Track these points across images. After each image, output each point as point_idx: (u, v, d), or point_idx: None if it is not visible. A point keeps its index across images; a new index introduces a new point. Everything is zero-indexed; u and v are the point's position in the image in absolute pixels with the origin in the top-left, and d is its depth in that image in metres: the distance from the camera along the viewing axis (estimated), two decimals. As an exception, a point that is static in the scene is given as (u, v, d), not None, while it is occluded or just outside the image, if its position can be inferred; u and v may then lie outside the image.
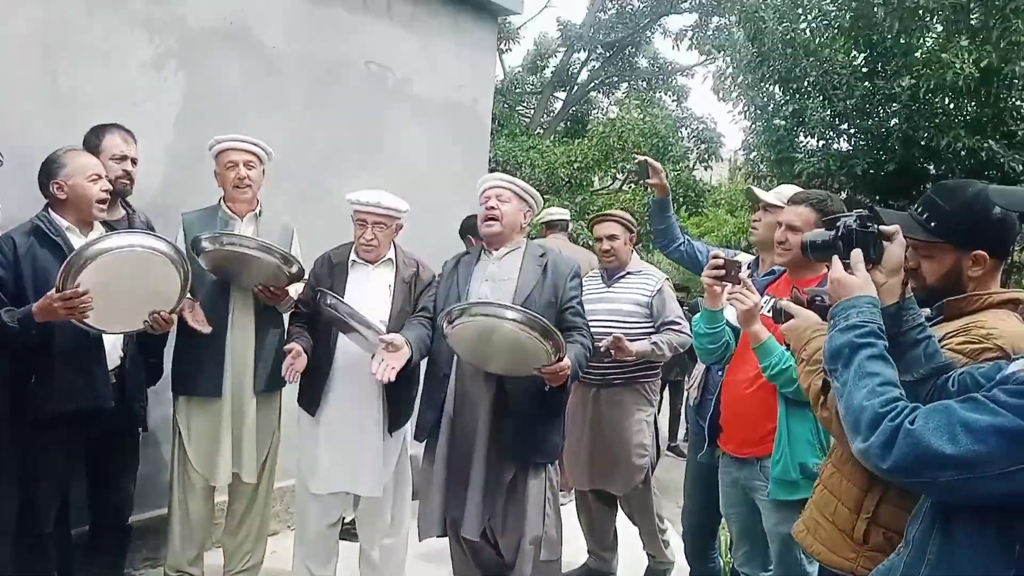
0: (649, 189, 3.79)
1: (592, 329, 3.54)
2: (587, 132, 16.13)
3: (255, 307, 3.29)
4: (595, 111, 21.26)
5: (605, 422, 3.72)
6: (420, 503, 3.18)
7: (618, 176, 14.39)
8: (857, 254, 1.68)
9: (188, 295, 3.00)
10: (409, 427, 3.46)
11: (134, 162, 3.22)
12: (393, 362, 2.88)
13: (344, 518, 3.53)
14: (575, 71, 20.16)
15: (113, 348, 2.97)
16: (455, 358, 3.05)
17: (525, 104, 21.03)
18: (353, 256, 3.31)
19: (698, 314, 2.89)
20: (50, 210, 2.90)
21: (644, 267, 3.90)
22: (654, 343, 3.61)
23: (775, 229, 2.87)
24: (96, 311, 2.70)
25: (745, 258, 3.39)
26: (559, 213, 5.59)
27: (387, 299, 3.27)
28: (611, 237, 3.82)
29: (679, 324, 3.67)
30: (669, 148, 13.12)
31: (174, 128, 3.75)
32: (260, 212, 3.36)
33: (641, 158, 3.65)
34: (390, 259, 3.34)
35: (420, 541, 3.17)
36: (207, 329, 3.12)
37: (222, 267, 3.14)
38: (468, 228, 4.54)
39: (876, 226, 1.72)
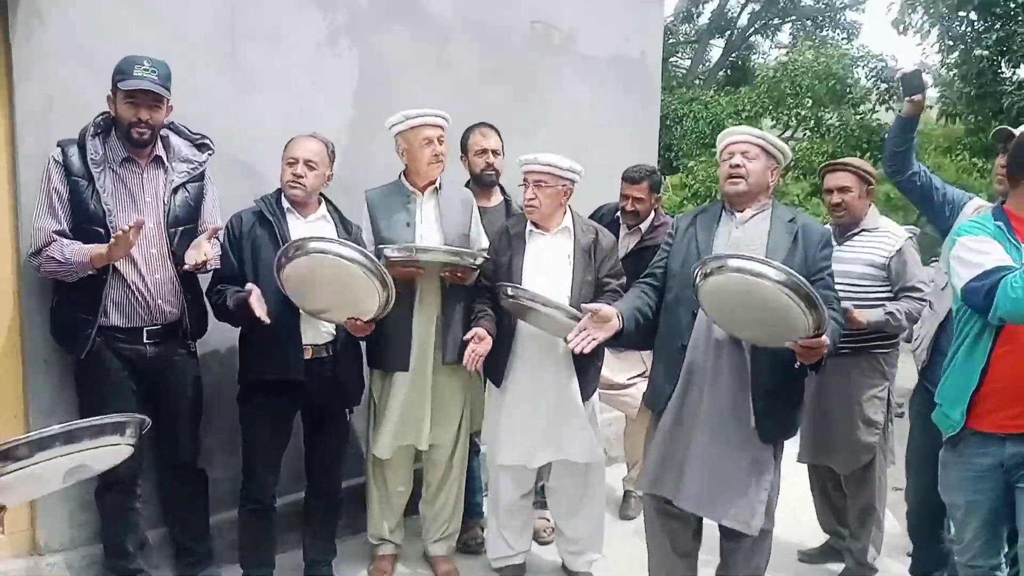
0: (900, 104, 3.27)
1: None
2: (752, 79, 15.30)
3: (440, 282, 3.26)
4: (756, 56, 20.18)
5: (831, 394, 3.39)
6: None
7: (791, 123, 13.53)
8: None
9: None
10: (597, 397, 3.35)
11: (495, 153, 3.55)
12: (596, 333, 2.65)
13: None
14: (734, 15, 19.18)
15: (319, 323, 3.05)
16: (692, 328, 2.79)
17: (679, 55, 20.29)
18: (530, 226, 3.21)
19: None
20: (281, 192, 3.09)
21: (883, 223, 3.43)
22: (890, 312, 3.22)
23: None
24: (304, 296, 2.87)
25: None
26: None
27: (567, 269, 3.16)
28: (842, 189, 3.36)
29: (920, 291, 3.24)
30: (847, 90, 12.14)
31: (351, 103, 3.78)
32: (440, 186, 3.31)
33: (910, 70, 3.12)
34: (567, 227, 3.21)
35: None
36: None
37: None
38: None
39: None
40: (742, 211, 2.81)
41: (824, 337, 2.48)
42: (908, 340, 3.40)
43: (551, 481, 3.40)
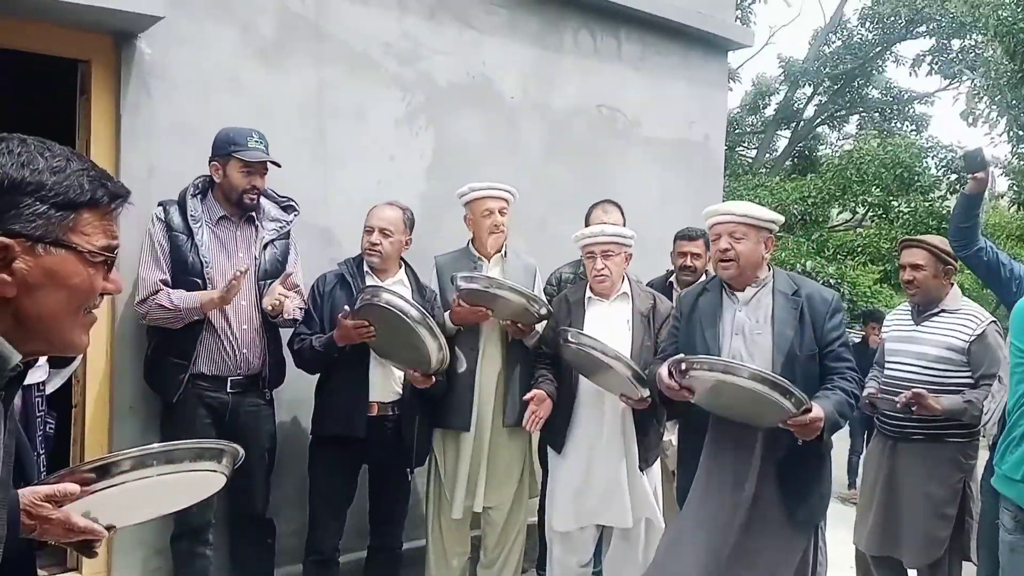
0: (965, 182, 3.25)
1: (895, 374, 3.25)
2: (818, 167, 15.35)
3: (503, 342, 3.37)
4: (823, 147, 20.24)
5: (901, 482, 3.25)
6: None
7: (858, 210, 13.50)
8: None
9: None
10: (658, 467, 3.35)
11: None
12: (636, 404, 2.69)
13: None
14: (800, 107, 19.35)
15: (387, 383, 3.18)
16: (709, 424, 2.75)
17: (746, 145, 20.47)
18: (588, 293, 3.30)
19: None
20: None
21: (965, 305, 3.30)
22: (968, 401, 3.07)
23: None
24: (378, 341, 3.02)
25: None
26: None
27: (627, 334, 3.22)
28: (916, 267, 3.27)
29: (1002, 380, 3.06)
30: (915, 178, 12.06)
31: (424, 178, 3.99)
32: (505, 253, 3.46)
33: (972, 148, 3.14)
34: (625, 293, 3.29)
35: None
36: (463, 367, 3.21)
37: (476, 303, 3.23)
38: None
39: None
40: (742, 290, 2.75)
41: (816, 411, 2.44)
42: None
43: (607, 561, 3.36)
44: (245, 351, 3.06)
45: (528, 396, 3.14)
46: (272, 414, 3.24)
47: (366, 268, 3.23)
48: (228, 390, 3.05)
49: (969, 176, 3.14)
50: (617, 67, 4.75)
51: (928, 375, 3.19)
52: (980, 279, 3.33)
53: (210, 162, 3.06)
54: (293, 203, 3.28)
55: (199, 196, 3.08)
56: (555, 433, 3.28)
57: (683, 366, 2.53)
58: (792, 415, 2.42)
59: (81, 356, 2.61)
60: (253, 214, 3.14)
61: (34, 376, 2.38)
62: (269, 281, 3.09)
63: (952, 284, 3.36)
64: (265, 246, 3.13)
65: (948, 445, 3.20)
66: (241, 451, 1.60)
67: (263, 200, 3.19)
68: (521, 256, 3.57)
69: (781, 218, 2.84)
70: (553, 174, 4.45)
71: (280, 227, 3.20)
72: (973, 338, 3.16)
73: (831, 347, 2.67)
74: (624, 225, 3.63)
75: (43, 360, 2.39)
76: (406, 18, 3.91)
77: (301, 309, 3.15)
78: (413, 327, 2.90)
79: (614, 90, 4.74)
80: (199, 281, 2.97)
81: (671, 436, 3.56)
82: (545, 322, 3.34)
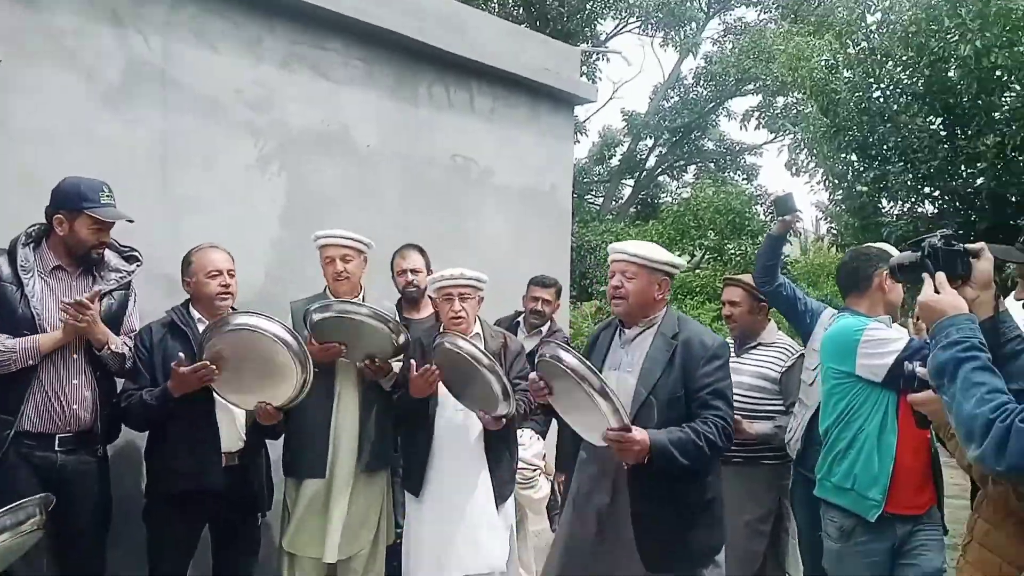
0: (772, 222, 3.62)
1: None
2: (659, 214, 16.29)
3: (359, 386, 3.37)
4: (664, 195, 21.53)
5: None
6: None
7: (696, 253, 14.48)
8: (940, 276, 1.77)
9: None
10: (512, 503, 3.43)
11: (414, 271, 3.85)
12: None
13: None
14: (642, 158, 20.53)
15: (232, 432, 3.09)
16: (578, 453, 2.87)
17: (593, 193, 21.43)
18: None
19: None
20: (189, 304, 3.15)
21: (779, 339, 3.63)
22: (778, 426, 3.39)
23: None
24: (222, 379, 2.93)
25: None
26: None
27: None
28: (732, 303, 3.62)
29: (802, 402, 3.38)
30: (746, 223, 13.09)
31: (278, 224, 3.97)
32: (363, 299, 3.47)
33: (782, 193, 3.43)
34: (478, 333, 3.39)
35: None
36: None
37: (330, 339, 3.22)
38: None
39: (962, 244, 1.82)
40: (629, 328, 2.83)
41: (639, 434, 2.50)
42: None
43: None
44: (75, 407, 2.88)
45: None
46: (106, 471, 3.05)
47: (196, 316, 3.13)
48: (56, 448, 2.86)
49: (778, 219, 3.48)
50: (470, 119, 4.93)
51: (745, 402, 3.47)
52: (780, 312, 3.62)
53: (52, 214, 2.89)
54: (136, 253, 3.15)
55: (31, 245, 2.91)
56: (411, 476, 3.30)
57: (547, 354, 2.67)
58: (611, 428, 2.50)
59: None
60: (92, 265, 3.00)
61: None
62: None
63: (769, 319, 3.70)
64: (102, 297, 2.97)
65: (763, 467, 3.50)
66: (50, 496, 1.58)
67: (106, 250, 3.05)
68: (379, 301, 3.59)
69: (681, 262, 2.93)
70: (410, 221, 4.53)
71: (121, 277, 3.06)
72: (784, 369, 3.50)
73: (699, 393, 2.66)
74: (427, 267, 3.85)
75: None
76: (260, 66, 3.92)
77: (129, 349, 3.02)
78: (284, 352, 2.92)
79: (467, 141, 4.91)
80: (28, 334, 2.79)
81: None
82: (401, 362, 3.37)
